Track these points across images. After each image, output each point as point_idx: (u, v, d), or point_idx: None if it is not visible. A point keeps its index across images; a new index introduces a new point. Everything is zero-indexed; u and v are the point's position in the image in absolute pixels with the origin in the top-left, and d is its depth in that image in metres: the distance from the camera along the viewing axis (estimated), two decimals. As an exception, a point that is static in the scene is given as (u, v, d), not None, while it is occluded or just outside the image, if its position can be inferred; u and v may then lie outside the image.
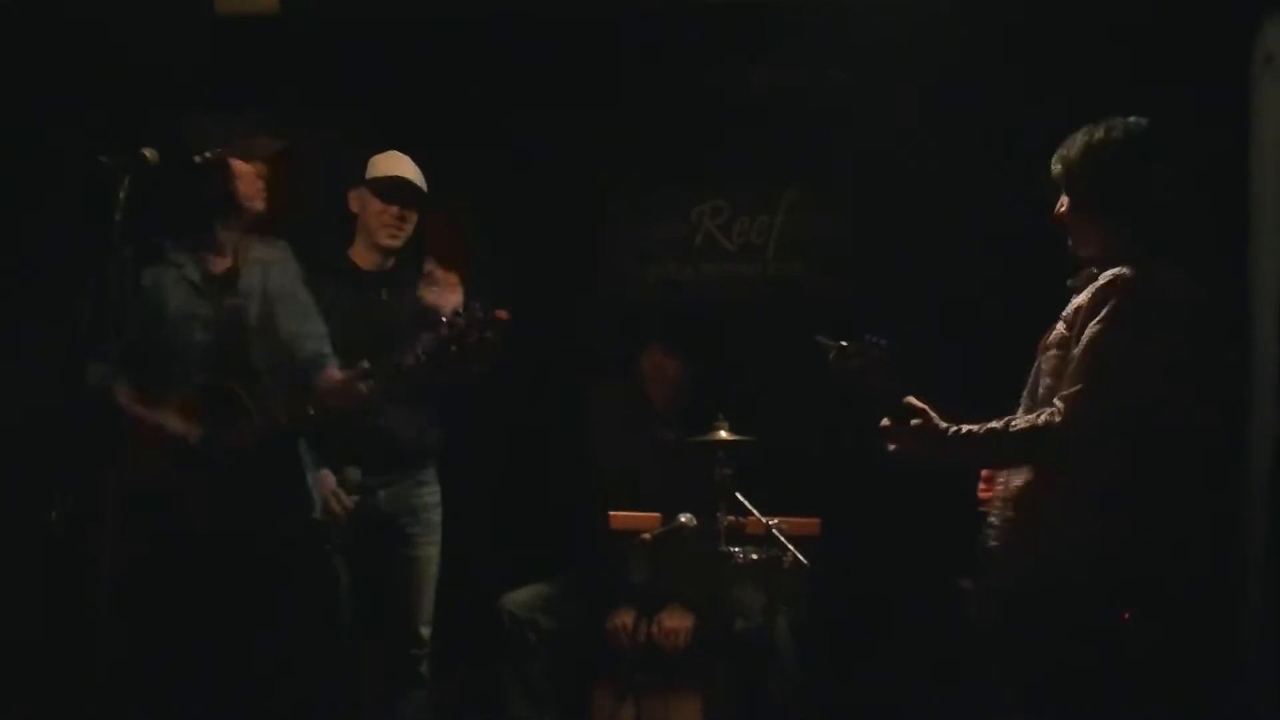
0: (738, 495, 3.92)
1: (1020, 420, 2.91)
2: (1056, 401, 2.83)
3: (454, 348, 3.55)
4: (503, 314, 3.59)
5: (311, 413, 3.68)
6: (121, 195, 3.17)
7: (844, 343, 3.66)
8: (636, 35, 4.66)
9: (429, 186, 4.17)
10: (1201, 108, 3.91)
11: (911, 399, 3.02)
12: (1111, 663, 2.78)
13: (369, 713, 4.12)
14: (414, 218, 4.14)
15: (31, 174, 4.58)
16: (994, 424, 2.93)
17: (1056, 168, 3.00)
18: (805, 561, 3.75)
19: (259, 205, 3.82)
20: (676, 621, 4.14)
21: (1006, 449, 2.92)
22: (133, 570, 3.50)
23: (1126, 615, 2.79)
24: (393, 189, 4.10)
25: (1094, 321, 2.82)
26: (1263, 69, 3.84)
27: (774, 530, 3.82)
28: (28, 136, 4.57)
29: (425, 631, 4.14)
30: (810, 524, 4.04)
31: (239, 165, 3.76)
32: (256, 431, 3.63)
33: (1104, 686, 2.78)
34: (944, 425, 2.99)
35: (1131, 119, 2.95)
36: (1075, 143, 2.98)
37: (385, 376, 3.65)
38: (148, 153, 3.32)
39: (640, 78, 4.79)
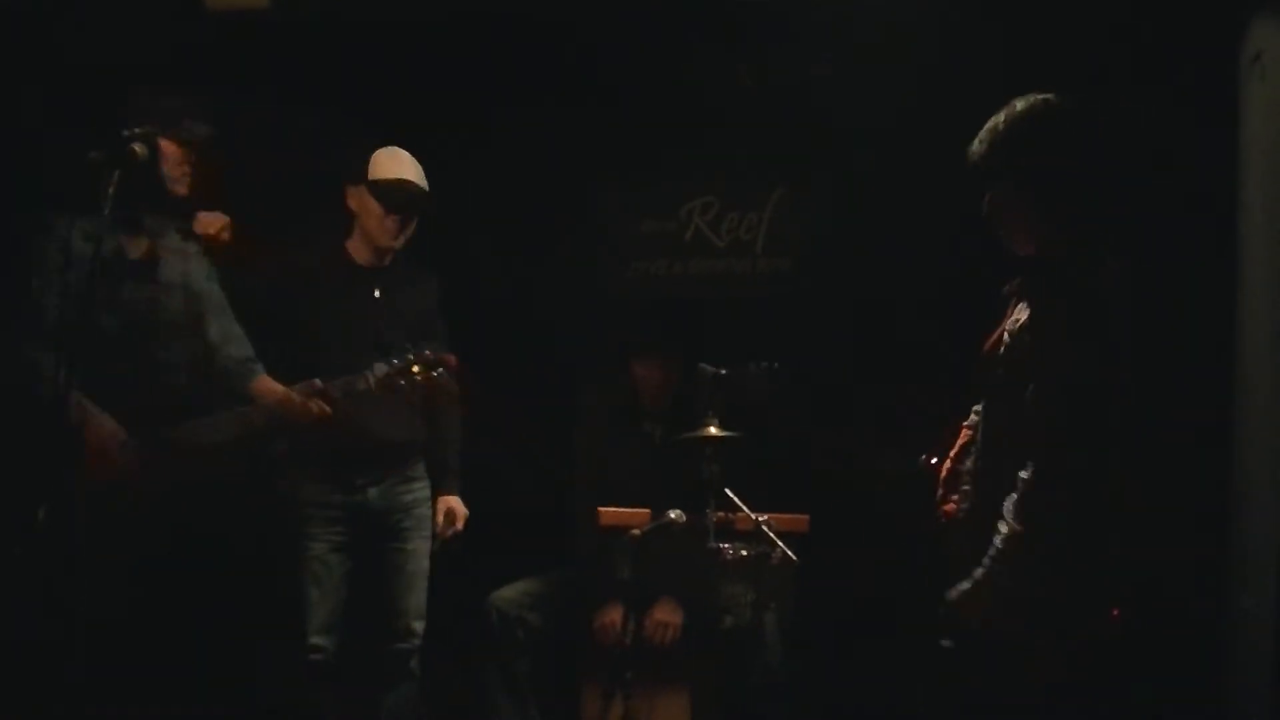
0: (727, 491, 3.92)
1: (1007, 504, 2.71)
2: (1022, 474, 2.67)
3: (403, 381, 3.76)
4: (451, 359, 3.82)
5: (258, 425, 3.72)
6: (110, 191, 3.16)
7: (722, 370, 3.63)
8: (626, 32, 4.66)
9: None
10: (1189, 107, 3.92)
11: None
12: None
13: (360, 707, 4.12)
14: (416, 219, 4.13)
15: (21, 171, 4.57)
16: (999, 536, 2.71)
17: (971, 160, 2.79)
18: (794, 558, 3.76)
19: (181, 190, 3.73)
20: (667, 615, 4.14)
21: (1023, 537, 2.69)
22: (116, 568, 3.49)
23: (1116, 612, 2.77)
24: (398, 197, 4.02)
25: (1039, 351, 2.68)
26: (1250, 68, 3.84)
27: (763, 526, 3.82)
28: (18, 133, 4.56)
29: (418, 626, 4.13)
30: (799, 520, 4.05)
31: (167, 145, 3.68)
32: (203, 444, 3.64)
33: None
34: (978, 573, 2.76)
35: (1046, 95, 2.75)
36: (986, 128, 2.77)
37: (340, 395, 3.73)
38: (137, 148, 3.31)
39: (629, 74, 4.80)
